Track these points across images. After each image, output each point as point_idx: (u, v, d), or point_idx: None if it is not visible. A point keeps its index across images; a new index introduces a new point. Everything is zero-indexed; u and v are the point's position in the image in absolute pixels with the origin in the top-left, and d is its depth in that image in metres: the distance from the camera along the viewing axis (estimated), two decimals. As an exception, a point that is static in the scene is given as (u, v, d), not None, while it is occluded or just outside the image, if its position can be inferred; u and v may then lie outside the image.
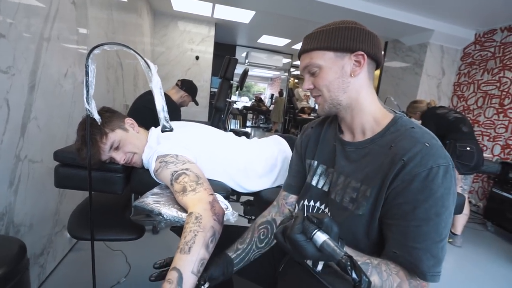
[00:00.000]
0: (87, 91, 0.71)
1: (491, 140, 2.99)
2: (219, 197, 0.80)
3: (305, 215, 0.48)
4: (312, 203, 0.71)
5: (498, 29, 3.02)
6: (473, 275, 1.87)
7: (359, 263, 0.49)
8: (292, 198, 0.79)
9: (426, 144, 0.52)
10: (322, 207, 0.68)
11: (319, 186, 0.70)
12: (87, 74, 0.70)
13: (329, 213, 0.65)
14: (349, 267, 0.43)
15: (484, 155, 2.25)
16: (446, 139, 2.19)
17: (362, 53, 0.60)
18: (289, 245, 0.48)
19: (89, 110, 0.72)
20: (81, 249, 1.64)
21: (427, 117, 2.31)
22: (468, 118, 2.49)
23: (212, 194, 0.70)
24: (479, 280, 1.82)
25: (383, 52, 0.64)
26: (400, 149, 0.54)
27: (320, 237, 0.45)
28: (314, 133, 0.77)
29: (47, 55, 1.21)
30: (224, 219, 0.72)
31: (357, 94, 0.62)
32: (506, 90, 2.89)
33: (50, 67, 1.24)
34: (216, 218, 0.65)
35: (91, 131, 0.81)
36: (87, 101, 0.72)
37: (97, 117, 0.74)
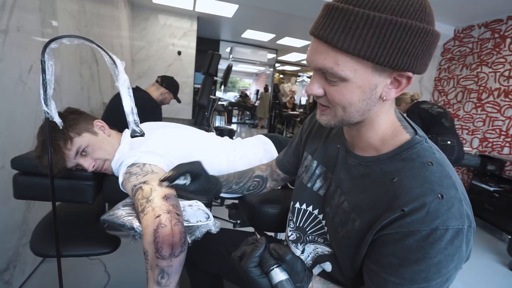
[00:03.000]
0: (45, 91, 0.62)
1: (470, 133, 3.09)
2: (200, 205, 0.74)
3: (268, 245, 0.42)
4: (304, 206, 0.63)
5: (475, 25, 3.10)
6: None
7: None
8: (281, 175, 0.80)
9: (440, 195, 0.40)
10: (316, 212, 0.61)
11: (315, 188, 0.61)
12: (43, 71, 0.61)
13: (324, 221, 0.59)
14: None
15: (464, 148, 2.32)
16: (428, 133, 2.23)
17: (411, 75, 0.42)
18: (243, 275, 0.42)
19: (47, 113, 0.63)
20: (54, 260, 1.52)
21: (412, 112, 2.34)
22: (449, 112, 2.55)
23: (158, 217, 0.59)
24: (461, 271, 1.86)
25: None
26: (404, 191, 0.42)
27: (278, 275, 0.40)
28: (320, 126, 0.65)
29: (5, 49, 1.09)
30: (205, 229, 0.66)
31: (375, 115, 0.47)
32: (483, 85, 2.98)
33: (9, 63, 1.12)
34: (159, 255, 0.57)
35: (53, 135, 0.72)
36: (45, 102, 0.63)
37: (58, 120, 0.65)
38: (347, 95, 0.43)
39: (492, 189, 2.44)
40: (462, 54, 3.25)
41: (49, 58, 0.62)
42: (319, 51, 0.42)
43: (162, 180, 0.63)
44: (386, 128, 0.49)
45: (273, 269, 0.40)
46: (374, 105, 0.45)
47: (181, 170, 0.62)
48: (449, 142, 2.14)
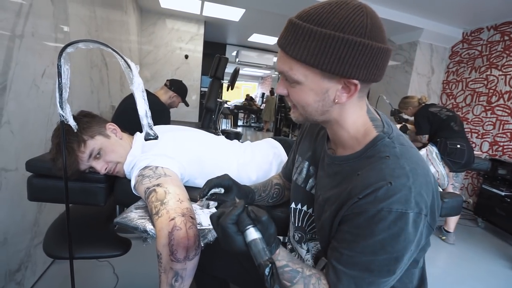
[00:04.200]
0: (60, 94, 0.63)
1: (480, 137, 3.04)
2: (212, 209, 0.73)
3: (246, 206, 0.46)
4: (299, 206, 0.68)
5: (484, 28, 3.06)
6: (465, 272, 1.88)
7: (288, 269, 0.50)
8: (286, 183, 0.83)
9: (389, 183, 0.44)
10: (310, 211, 0.65)
11: (308, 188, 0.66)
12: (59, 75, 0.63)
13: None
14: (267, 273, 0.42)
15: (474, 152, 2.27)
16: (437, 137, 2.20)
17: (357, 82, 0.46)
18: (220, 232, 0.46)
19: (63, 116, 0.65)
20: (64, 261, 1.53)
21: (420, 115, 2.31)
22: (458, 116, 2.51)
23: (173, 219, 0.60)
24: (471, 277, 1.82)
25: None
26: (363, 182, 0.47)
27: (252, 234, 0.44)
28: (310, 129, 0.71)
29: (21, 54, 1.11)
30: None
31: (338, 116, 0.52)
32: (493, 88, 2.93)
33: (24, 67, 1.14)
34: (174, 258, 0.58)
35: (67, 138, 0.73)
36: (60, 105, 0.64)
37: (72, 123, 0.66)
38: (302, 96, 0.50)
39: (503, 193, 2.38)
40: (470, 57, 3.20)
41: (65, 62, 0.63)
42: (280, 58, 0.50)
43: (199, 198, 0.64)
44: (357, 128, 0.54)
45: (248, 228, 0.44)
46: (331, 107, 0.51)
47: (210, 184, 0.64)
48: (458, 146, 2.11)
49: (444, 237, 2.23)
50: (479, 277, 1.84)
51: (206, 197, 0.63)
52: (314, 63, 0.45)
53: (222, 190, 0.66)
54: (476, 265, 1.97)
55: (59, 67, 0.62)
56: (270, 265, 0.42)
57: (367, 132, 0.53)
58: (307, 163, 0.67)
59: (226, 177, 0.67)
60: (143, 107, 0.59)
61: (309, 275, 0.51)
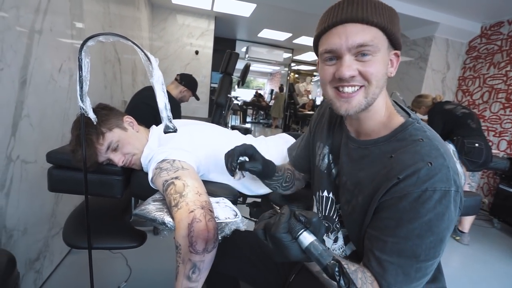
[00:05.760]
0: (81, 87, 0.64)
1: (497, 135, 2.94)
2: (227, 202, 0.74)
3: (292, 212, 0.44)
4: (325, 193, 0.67)
5: (505, 21, 2.94)
6: (480, 273, 1.83)
7: None
8: (301, 174, 0.83)
9: (429, 163, 0.45)
10: (335, 197, 0.65)
11: (333, 176, 0.66)
12: (80, 68, 0.63)
13: (338, 206, 0.63)
14: (337, 273, 0.39)
15: (492, 151, 2.20)
16: (454, 135, 2.13)
17: (399, 52, 0.53)
18: (271, 244, 0.43)
19: (83, 108, 0.65)
20: (79, 251, 1.57)
21: (434, 113, 2.25)
22: (475, 113, 2.42)
23: (192, 211, 0.60)
24: (486, 279, 1.78)
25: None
26: (399, 164, 0.48)
27: (307, 238, 0.41)
28: (330, 117, 0.70)
29: (39, 49, 1.14)
30: (234, 226, 0.66)
31: (380, 97, 0.54)
32: (513, 84, 2.82)
33: (42, 62, 1.17)
34: (193, 250, 0.59)
35: (86, 130, 0.74)
36: (80, 98, 0.65)
37: (92, 116, 0.67)
38: (378, 66, 0.50)
39: (522, 194, 2.30)
40: (489, 52, 3.09)
41: (85, 55, 0.64)
42: (355, 31, 0.49)
43: (234, 171, 0.66)
44: (383, 111, 0.55)
45: (301, 233, 0.41)
46: (385, 82, 0.52)
47: (236, 153, 0.66)
48: (476, 145, 2.04)
49: (458, 238, 2.18)
50: (494, 279, 1.79)
51: (238, 167, 0.64)
52: (392, 30, 0.49)
53: (247, 159, 0.67)
54: (491, 267, 1.92)
55: (80, 60, 0.62)
56: (337, 264, 0.39)
57: (392, 117, 0.55)
58: (327, 148, 0.68)
59: (248, 145, 0.68)
60: (162, 100, 0.59)
61: (354, 270, 0.50)
